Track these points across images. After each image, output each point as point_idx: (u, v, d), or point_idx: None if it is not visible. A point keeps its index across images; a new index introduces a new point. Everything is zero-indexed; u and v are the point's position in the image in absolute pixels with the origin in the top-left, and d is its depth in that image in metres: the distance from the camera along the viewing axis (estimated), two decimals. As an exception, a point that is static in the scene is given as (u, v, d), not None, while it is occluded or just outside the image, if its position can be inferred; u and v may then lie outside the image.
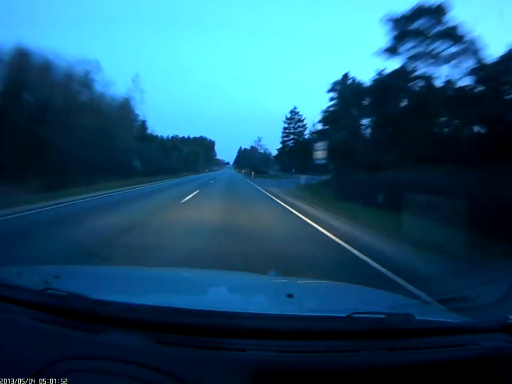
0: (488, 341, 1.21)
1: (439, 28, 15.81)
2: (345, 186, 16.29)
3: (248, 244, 6.16)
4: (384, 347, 1.13)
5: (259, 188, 24.94)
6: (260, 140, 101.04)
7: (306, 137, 60.22)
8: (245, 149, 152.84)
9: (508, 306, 1.94)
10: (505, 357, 1.16)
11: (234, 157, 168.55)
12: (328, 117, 26.72)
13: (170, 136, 79.05)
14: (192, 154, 79.00)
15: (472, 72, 14.78)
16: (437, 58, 15.95)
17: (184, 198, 14.34)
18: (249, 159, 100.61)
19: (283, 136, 65.94)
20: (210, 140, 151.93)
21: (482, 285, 3.85)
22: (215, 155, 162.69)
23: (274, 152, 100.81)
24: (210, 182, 32.22)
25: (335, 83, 27.31)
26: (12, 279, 1.44)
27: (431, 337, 1.19)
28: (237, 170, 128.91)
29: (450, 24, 15.35)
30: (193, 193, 16.83)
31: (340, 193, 15.71)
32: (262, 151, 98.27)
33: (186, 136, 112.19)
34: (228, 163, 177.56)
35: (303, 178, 25.51)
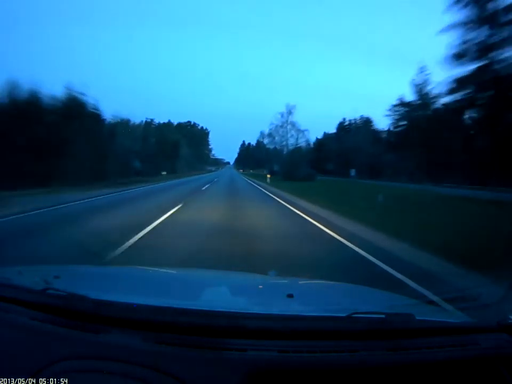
0: (488, 341, 1.21)
1: None
2: None
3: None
4: (384, 347, 1.13)
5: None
6: (290, 112, 50.97)
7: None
8: (249, 144, 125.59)
9: (508, 306, 1.93)
10: (505, 357, 1.16)
11: (236, 157, 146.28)
12: None
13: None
14: (157, 146, 46.84)
15: None
16: None
17: None
18: (269, 157, 62.36)
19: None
20: (203, 128, 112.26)
21: (482, 285, 3.86)
22: (211, 150, 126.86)
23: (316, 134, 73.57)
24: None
25: None
26: (12, 279, 1.44)
27: (431, 337, 1.19)
28: (240, 171, 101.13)
29: None
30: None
31: None
32: (294, 134, 51.12)
33: (167, 121, 79.75)
34: (228, 163, 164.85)
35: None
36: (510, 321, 1.24)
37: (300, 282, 2.12)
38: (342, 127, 67.59)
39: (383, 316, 1.19)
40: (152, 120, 63.25)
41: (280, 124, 54.61)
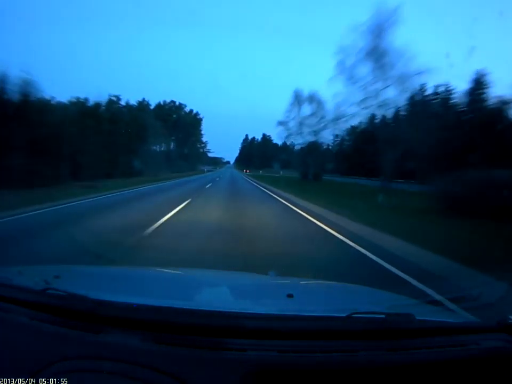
0: (488, 341, 1.21)
1: None
2: None
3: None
4: (384, 347, 1.13)
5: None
6: (381, 30, 16.33)
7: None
8: (253, 138, 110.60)
9: (507, 306, 1.93)
10: (505, 357, 1.16)
11: (237, 156, 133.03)
12: None
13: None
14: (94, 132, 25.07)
15: None
16: None
17: None
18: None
19: None
20: (192, 111, 76.77)
21: (483, 285, 3.85)
22: (205, 145, 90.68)
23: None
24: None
25: None
26: (12, 278, 1.45)
27: (431, 337, 1.20)
28: (246, 171, 76.33)
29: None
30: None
31: None
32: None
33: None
34: (228, 162, 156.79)
35: None
36: (510, 321, 1.24)
37: (300, 282, 2.12)
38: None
39: (383, 316, 1.19)
40: (118, 97, 39.03)
41: (372, 47, 19.45)
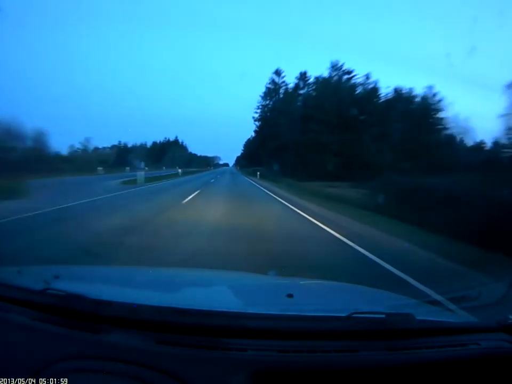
0: (488, 341, 1.21)
1: None
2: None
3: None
4: (384, 347, 1.13)
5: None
6: None
7: None
8: (304, 75, 39.74)
9: (508, 306, 1.93)
10: (505, 357, 1.16)
11: (247, 139, 67.72)
12: None
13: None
14: None
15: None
16: None
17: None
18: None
19: None
20: None
21: (483, 284, 3.85)
22: None
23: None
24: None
25: None
26: (12, 279, 1.44)
27: (431, 337, 1.20)
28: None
29: None
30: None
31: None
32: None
33: None
34: (227, 164, 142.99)
35: None
36: (510, 321, 1.24)
37: (300, 282, 2.12)
38: None
39: (383, 315, 1.19)
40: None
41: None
